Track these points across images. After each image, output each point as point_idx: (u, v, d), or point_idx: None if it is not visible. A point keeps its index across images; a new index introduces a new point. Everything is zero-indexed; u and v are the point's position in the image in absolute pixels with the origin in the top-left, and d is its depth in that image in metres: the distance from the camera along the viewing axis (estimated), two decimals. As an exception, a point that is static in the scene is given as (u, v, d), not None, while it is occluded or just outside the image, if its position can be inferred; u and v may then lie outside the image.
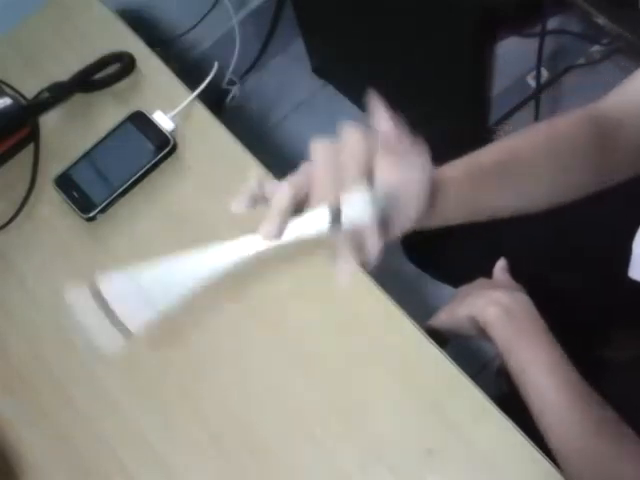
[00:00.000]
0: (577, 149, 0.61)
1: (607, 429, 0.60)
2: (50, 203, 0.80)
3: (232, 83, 1.49)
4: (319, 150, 0.51)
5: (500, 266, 0.79)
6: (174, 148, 0.80)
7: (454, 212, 0.57)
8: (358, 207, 0.48)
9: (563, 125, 0.62)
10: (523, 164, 0.60)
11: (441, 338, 0.77)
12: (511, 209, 0.62)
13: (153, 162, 0.79)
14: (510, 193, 0.61)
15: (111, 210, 0.79)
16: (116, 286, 0.53)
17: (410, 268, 1.01)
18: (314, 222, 0.49)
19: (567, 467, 0.61)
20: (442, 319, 0.77)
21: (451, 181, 0.55)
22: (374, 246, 0.48)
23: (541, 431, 0.62)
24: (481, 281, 0.78)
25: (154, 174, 0.80)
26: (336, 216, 0.48)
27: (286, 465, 0.68)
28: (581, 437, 0.60)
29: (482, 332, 0.70)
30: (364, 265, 0.49)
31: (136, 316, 0.53)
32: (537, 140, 0.61)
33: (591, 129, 0.62)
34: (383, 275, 0.73)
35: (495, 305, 0.68)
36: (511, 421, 0.65)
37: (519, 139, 0.61)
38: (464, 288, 0.78)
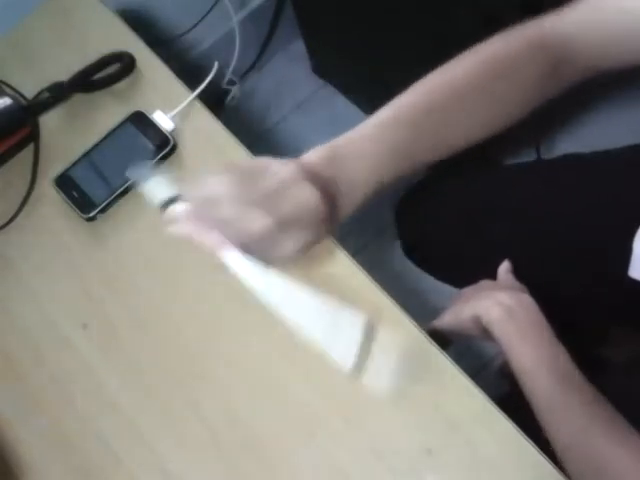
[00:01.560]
0: (521, 80, 0.60)
1: (611, 429, 0.60)
2: (50, 203, 0.81)
3: (232, 83, 1.49)
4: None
5: (504, 267, 0.79)
6: (174, 148, 0.80)
7: (391, 169, 0.56)
8: None
9: (504, 55, 0.60)
10: (456, 104, 0.59)
11: (443, 339, 0.77)
12: (448, 147, 0.60)
13: (153, 162, 0.79)
14: (445, 133, 0.59)
15: (111, 210, 0.79)
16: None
17: (410, 268, 1.01)
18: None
19: (570, 468, 0.61)
20: (446, 320, 0.77)
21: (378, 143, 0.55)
22: None
23: (544, 431, 0.62)
24: (485, 282, 0.78)
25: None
26: None
27: (286, 465, 0.68)
28: (585, 438, 0.60)
29: (486, 333, 0.70)
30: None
31: None
32: (474, 76, 0.60)
33: (535, 49, 0.60)
34: (383, 275, 0.73)
35: (499, 306, 0.68)
36: (511, 421, 0.65)
37: (453, 74, 0.60)
38: (468, 289, 0.79)
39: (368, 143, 0.55)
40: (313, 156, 0.54)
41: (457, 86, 0.59)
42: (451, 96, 0.59)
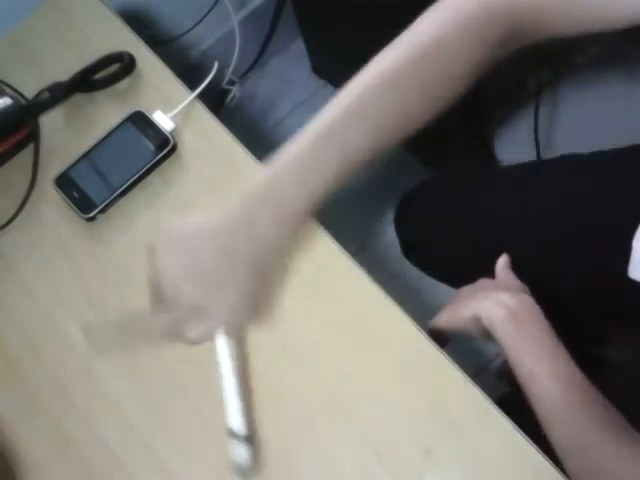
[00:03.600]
0: (452, 52, 0.59)
1: (612, 430, 0.60)
2: (50, 203, 0.81)
3: (232, 83, 1.49)
4: None
5: (502, 263, 0.78)
6: (174, 148, 0.80)
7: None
8: None
9: (437, 39, 0.60)
10: (390, 83, 0.58)
11: (442, 338, 0.77)
12: (392, 136, 0.60)
13: (153, 162, 0.79)
14: (385, 120, 0.59)
15: (111, 210, 0.79)
16: None
17: (410, 268, 1.01)
18: None
19: (571, 468, 0.61)
20: (445, 319, 0.77)
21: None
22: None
23: (545, 432, 0.62)
24: (484, 281, 0.78)
25: (154, 174, 0.80)
26: None
27: (286, 465, 0.68)
28: (586, 439, 0.60)
29: (486, 333, 0.70)
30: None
31: None
32: (405, 65, 0.59)
33: (468, 27, 0.58)
34: (383, 275, 0.73)
35: (500, 306, 0.68)
36: (511, 421, 0.65)
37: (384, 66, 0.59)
38: (467, 288, 0.78)
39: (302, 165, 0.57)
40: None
41: (388, 80, 0.58)
42: (383, 92, 0.58)
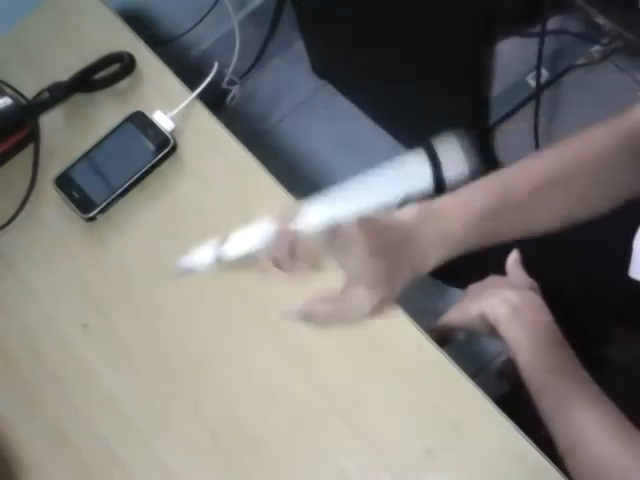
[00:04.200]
0: (613, 163, 0.60)
1: (616, 431, 0.59)
2: (50, 203, 0.80)
3: (232, 83, 1.49)
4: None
5: (513, 260, 0.78)
6: (174, 148, 0.80)
7: (481, 240, 0.57)
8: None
9: (599, 138, 0.61)
10: (558, 185, 0.59)
11: (443, 338, 0.77)
12: (543, 229, 0.61)
13: (153, 162, 0.79)
14: (544, 216, 0.59)
15: (111, 210, 0.79)
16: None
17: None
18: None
19: (573, 468, 0.60)
20: (452, 316, 0.77)
21: (474, 218, 0.55)
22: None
23: (548, 431, 0.62)
24: (493, 278, 0.77)
25: (154, 174, 0.80)
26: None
27: (286, 465, 0.68)
28: (590, 439, 0.59)
29: (493, 330, 0.70)
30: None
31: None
32: (571, 157, 0.60)
33: (628, 141, 0.61)
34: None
35: (505, 304, 0.68)
36: (511, 421, 0.65)
37: (553, 157, 0.60)
38: (476, 285, 0.78)
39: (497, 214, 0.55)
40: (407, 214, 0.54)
41: (557, 174, 0.59)
42: (550, 182, 0.59)
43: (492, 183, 0.57)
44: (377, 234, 0.53)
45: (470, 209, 0.55)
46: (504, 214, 0.57)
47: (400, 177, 0.47)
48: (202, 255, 0.56)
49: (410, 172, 0.47)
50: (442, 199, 0.55)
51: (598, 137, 0.61)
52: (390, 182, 0.48)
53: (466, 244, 0.56)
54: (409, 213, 0.55)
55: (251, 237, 0.55)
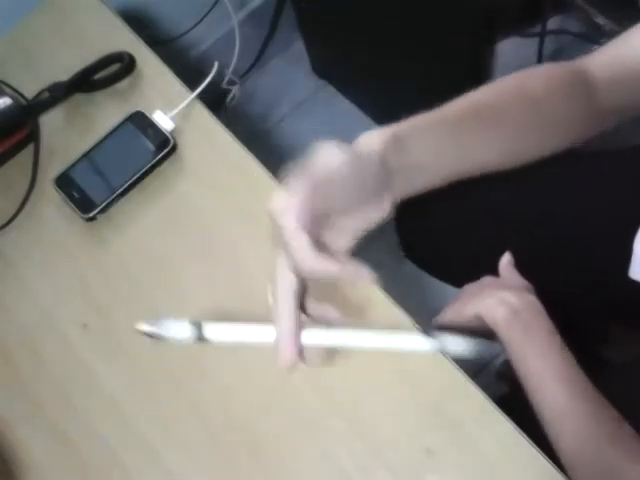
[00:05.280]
0: (559, 106, 0.61)
1: (618, 436, 0.59)
2: (50, 203, 0.80)
3: (232, 83, 1.49)
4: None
5: (506, 261, 0.78)
6: (174, 148, 0.80)
7: (425, 165, 0.57)
8: None
9: (547, 80, 0.62)
10: (495, 115, 0.59)
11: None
12: (483, 163, 0.61)
13: (153, 162, 0.79)
14: (481, 144, 0.60)
15: (111, 210, 0.79)
16: None
17: (410, 268, 1.01)
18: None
19: (575, 474, 0.60)
20: (448, 317, 0.76)
21: (419, 132, 0.55)
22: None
23: (549, 435, 0.62)
24: (488, 279, 0.77)
25: (154, 174, 0.80)
26: None
27: (286, 465, 0.68)
28: (592, 445, 0.59)
29: (490, 332, 0.69)
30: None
31: None
32: (513, 93, 0.60)
33: (575, 89, 0.62)
34: (383, 275, 0.73)
35: (503, 306, 0.67)
36: (511, 421, 0.65)
37: (493, 90, 0.61)
38: (470, 286, 0.78)
39: (438, 132, 0.56)
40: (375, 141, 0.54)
41: (503, 97, 0.59)
42: (486, 116, 0.59)
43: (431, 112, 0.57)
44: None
45: (392, 130, 0.55)
46: (430, 131, 0.56)
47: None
48: (178, 330, 0.54)
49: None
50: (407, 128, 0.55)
51: (541, 78, 0.62)
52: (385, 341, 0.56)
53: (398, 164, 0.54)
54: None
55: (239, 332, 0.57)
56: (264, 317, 0.58)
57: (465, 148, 0.59)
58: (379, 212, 0.55)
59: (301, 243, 0.50)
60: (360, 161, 0.52)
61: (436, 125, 0.58)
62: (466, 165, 0.60)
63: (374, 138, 0.54)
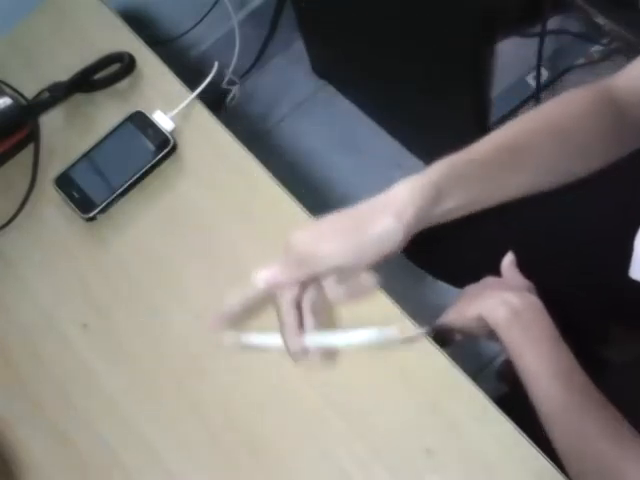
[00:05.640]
0: (588, 130, 0.61)
1: (616, 433, 0.59)
2: (50, 203, 0.80)
3: (232, 83, 1.49)
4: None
5: (508, 262, 0.78)
6: (174, 148, 0.80)
7: (455, 209, 0.58)
8: None
9: (572, 105, 0.62)
10: (526, 152, 0.59)
11: (445, 338, 0.77)
12: (514, 195, 0.61)
13: (153, 162, 0.79)
14: (513, 181, 0.60)
15: (111, 210, 0.79)
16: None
17: (410, 268, 1.01)
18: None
19: (573, 472, 0.60)
20: (450, 318, 0.77)
21: (447, 181, 0.56)
22: None
23: (547, 434, 0.62)
24: (490, 279, 0.77)
25: (154, 174, 0.80)
26: None
27: (286, 465, 0.68)
28: (588, 442, 0.59)
29: (491, 332, 0.69)
30: None
31: None
32: (541, 125, 0.61)
33: (602, 108, 0.61)
34: (383, 275, 0.73)
35: (504, 306, 0.67)
36: (511, 421, 0.65)
37: (520, 126, 0.61)
38: (472, 287, 0.78)
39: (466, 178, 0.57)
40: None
41: (524, 140, 0.60)
42: (516, 153, 0.59)
43: (456, 154, 0.58)
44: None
45: (427, 175, 0.56)
46: (465, 177, 0.57)
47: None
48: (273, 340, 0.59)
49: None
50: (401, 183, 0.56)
51: (566, 105, 0.62)
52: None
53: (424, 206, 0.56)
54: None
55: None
56: (264, 317, 0.58)
57: (499, 188, 0.60)
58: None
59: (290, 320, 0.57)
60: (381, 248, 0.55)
61: (471, 172, 0.58)
62: (495, 200, 0.61)
63: (413, 192, 0.55)
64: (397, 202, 0.55)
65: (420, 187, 0.55)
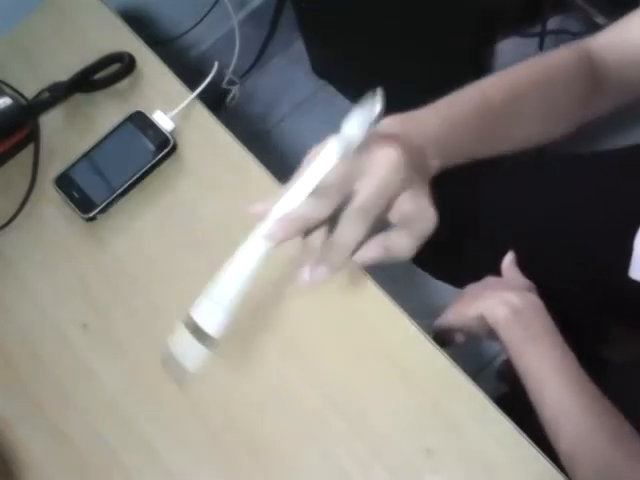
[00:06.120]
0: (569, 83, 0.61)
1: (617, 435, 0.59)
2: (50, 203, 0.80)
3: (232, 83, 1.49)
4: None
5: (508, 261, 0.78)
6: (174, 148, 0.80)
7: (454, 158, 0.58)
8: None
9: (556, 60, 0.62)
10: (520, 102, 0.59)
11: (445, 339, 0.77)
12: (502, 149, 0.61)
13: (153, 162, 0.79)
14: (506, 134, 0.60)
15: (111, 210, 0.79)
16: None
17: (410, 268, 1.01)
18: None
19: (574, 473, 0.60)
20: (450, 318, 0.77)
21: (448, 135, 0.57)
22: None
23: (549, 435, 0.62)
24: (490, 279, 0.77)
25: (154, 174, 0.80)
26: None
27: (286, 465, 0.68)
28: (591, 444, 0.59)
29: (491, 332, 0.69)
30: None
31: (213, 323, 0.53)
32: (533, 73, 0.61)
33: (582, 65, 0.62)
34: (383, 275, 0.73)
35: (505, 306, 0.67)
36: (511, 421, 0.65)
37: (513, 74, 0.61)
38: (473, 287, 0.78)
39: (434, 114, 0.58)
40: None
41: (515, 89, 0.59)
42: (508, 97, 0.59)
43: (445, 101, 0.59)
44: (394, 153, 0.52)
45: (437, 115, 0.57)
46: (459, 126, 0.57)
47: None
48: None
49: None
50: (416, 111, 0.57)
51: (549, 61, 0.62)
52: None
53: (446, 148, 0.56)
54: (393, 125, 0.54)
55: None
56: (264, 317, 0.58)
57: (491, 140, 0.60)
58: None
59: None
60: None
61: (469, 121, 0.58)
62: (486, 153, 0.60)
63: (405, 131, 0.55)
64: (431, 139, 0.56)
65: (416, 133, 0.56)
